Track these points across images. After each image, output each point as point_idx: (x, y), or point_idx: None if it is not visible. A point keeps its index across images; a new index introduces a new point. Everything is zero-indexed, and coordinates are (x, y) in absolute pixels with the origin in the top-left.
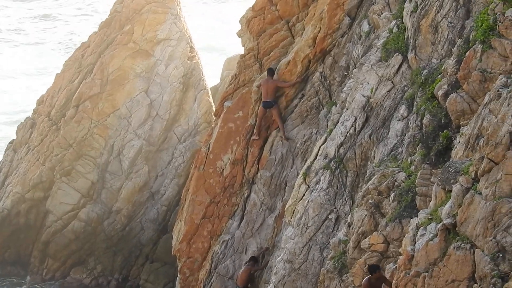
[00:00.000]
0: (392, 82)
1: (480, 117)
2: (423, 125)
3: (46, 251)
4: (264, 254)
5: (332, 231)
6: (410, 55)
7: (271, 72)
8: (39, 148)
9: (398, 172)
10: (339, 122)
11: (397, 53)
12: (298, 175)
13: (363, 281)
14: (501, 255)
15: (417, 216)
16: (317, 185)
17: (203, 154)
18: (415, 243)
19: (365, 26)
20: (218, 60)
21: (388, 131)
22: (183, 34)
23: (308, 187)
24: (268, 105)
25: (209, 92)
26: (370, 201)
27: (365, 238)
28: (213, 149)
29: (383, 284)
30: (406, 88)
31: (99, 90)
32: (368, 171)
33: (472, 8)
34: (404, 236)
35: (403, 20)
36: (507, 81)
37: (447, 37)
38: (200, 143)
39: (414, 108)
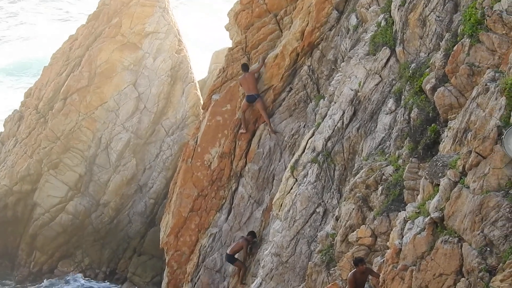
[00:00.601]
0: (380, 76)
1: (468, 111)
2: (411, 119)
3: (33, 244)
4: (252, 247)
5: (320, 225)
6: (398, 49)
7: (245, 67)
8: (26, 140)
9: (386, 165)
10: (327, 116)
11: (385, 47)
12: (286, 168)
13: (348, 275)
14: (488, 249)
15: (405, 210)
16: (305, 179)
17: (190, 147)
18: (403, 236)
19: (353, 20)
20: (206, 54)
21: (376, 125)
22: (171, 27)
23: (296, 180)
24: (252, 99)
25: (197, 85)
26: (357, 194)
27: (353, 231)
28: (200, 142)
29: (370, 276)
30: (394, 82)
31: (87, 83)
32: (356, 164)
33: (460, 2)
34: (391, 229)
35: (391, 14)
36: (495, 75)
37: (435, 31)
38: (188, 136)
39: (402, 101)
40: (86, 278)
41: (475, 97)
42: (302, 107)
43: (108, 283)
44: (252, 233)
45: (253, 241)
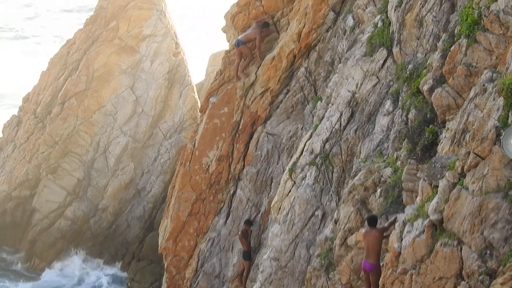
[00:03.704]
0: (377, 77)
1: (466, 112)
2: (409, 120)
3: (32, 249)
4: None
5: (319, 228)
6: (395, 50)
7: (265, 25)
8: (25, 145)
9: (384, 167)
10: (325, 118)
11: (382, 48)
12: (284, 171)
13: (363, 233)
14: (488, 251)
15: (404, 212)
16: (303, 181)
17: (188, 151)
18: (402, 239)
19: (350, 21)
20: (204, 56)
21: (374, 126)
22: (168, 30)
23: (294, 183)
24: (237, 43)
25: (194, 88)
26: (356, 197)
27: (352, 234)
28: (198, 146)
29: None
30: (391, 83)
31: (84, 87)
32: (354, 166)
33: (456, 2)
34: (390, 232)
35: (388, 14)
36: (492, 75)
37: (432, 31)
38: (186, 139)
39: (399, 103)
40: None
41: (473, 98)
42: (300, 109)
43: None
44: (247, 222)
45: (251, 228)
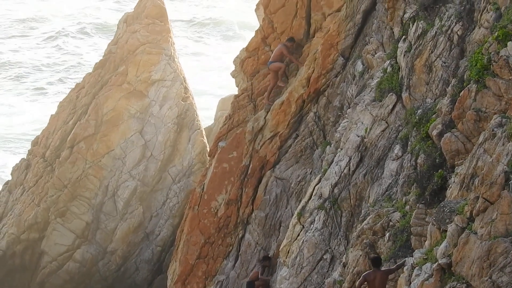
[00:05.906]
0: (387, 122)
1: (475, 157)
2: (418, 165)
3: None
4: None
5: (327, 271)
6: (404, 95)
7: (290, 39)
8: (34, 189)
9: (393, 212)
10: (334, 162)
11: (391, 93)
12: (292, 215)
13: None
14: None
15: (412, 256)
16: (312, 225)
17: (197, 195)
18: (411, 283)
19: (359, 66)
20: (212, 101)
21: (383, 171)
22: (177, 74)
23: (303, 227)
24: (269, 63)
25: (203, 132)
26: (365, 241)
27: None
28: (207, 190)
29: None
30: (400, 128)
31: (93, 131)
32: (362, 211)
33: (466, 48)
34: (399, 276)
35: (397, 60)
36: (501, 120)
37: (441, 76)
38: (195, 183)
39: (408, 147)
40: None
41: (482, 143)
42: (309, 154)
43: None
44: (266, 258)
45: (269, 265)
